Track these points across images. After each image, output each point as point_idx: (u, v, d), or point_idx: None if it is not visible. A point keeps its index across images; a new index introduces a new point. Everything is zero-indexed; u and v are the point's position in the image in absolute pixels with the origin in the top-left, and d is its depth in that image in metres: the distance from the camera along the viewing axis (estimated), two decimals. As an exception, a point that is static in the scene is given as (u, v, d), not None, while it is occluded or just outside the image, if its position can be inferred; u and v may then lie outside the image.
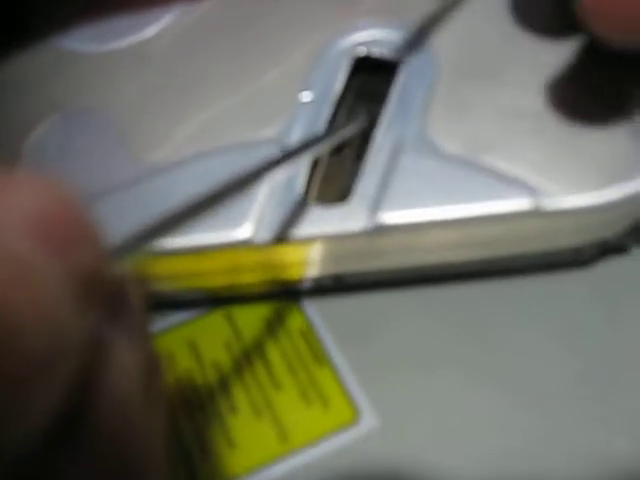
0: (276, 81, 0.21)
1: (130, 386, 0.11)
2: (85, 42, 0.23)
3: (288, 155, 0.16)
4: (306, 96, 0.21)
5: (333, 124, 0.20)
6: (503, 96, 0.20)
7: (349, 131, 0.19)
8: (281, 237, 0.19)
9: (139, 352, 0.12)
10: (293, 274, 0.21)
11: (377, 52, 0.22)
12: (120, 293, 0.11)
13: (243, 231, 0.19)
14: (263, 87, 0.21)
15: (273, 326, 0.21)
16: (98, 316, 0.10)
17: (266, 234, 0.19)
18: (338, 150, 0.21)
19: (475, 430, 0.19)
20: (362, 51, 0.22)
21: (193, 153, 0.21)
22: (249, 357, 0.21)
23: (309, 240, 0.19)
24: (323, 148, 0.18)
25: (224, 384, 0.21)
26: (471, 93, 0.20)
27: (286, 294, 0.22)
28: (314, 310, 0.22)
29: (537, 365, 0.20)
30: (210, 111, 0.21)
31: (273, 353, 0.21)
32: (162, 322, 0.22)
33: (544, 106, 0.20)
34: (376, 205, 0.19)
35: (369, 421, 0.20)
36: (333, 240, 0.19)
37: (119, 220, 0.20)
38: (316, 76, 0.21)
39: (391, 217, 0.19)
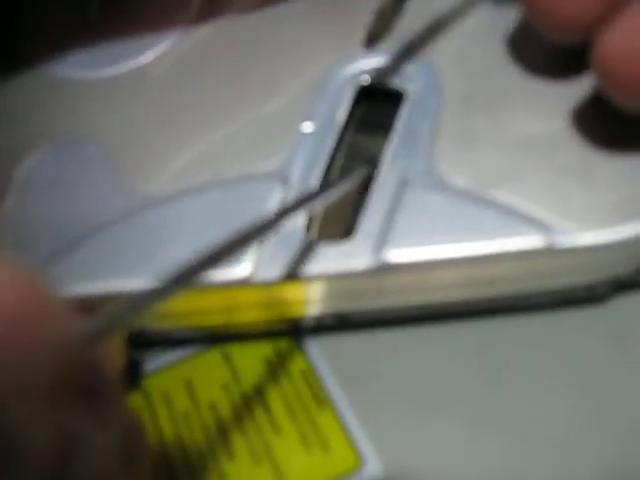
0: (276, 111, 0.21)
1: (106, 464, 0.10)
2: (78, 68, 0.23)
3: (281, 214, 0.16)
4: (307, 127, 0.20)
5: (327, 180, 0.19)
6: (513, 127, 0.19)
7: (345, 186, 0.18)
8: (281, 276, 0.18)
9: (115, 427, 0.11)
10: (294, 313, 0.20)
11: (381, 81, 0.21)
12: (93, 374, 0.11)
13: (242, 269, 0.18)
14: (262, 117, 0.21)
15: (272, 366, 0.21)
16: (70, 408, 0.09)
17: (266, 272, 0.18)
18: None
19: (483, 476, 0.18)
20: (366, 80, 0.21)
21: (189, 186, 0.20)
22: (247, 399, 0.20)
23: (311, 278, 0.18)
24: (318, 204, 0.18)
25: (221, 427, 0.20)
26: (479, 124, 0.20)
27: (287, 333, 0.21)
28: (316, 349, 0.21)
29: (547, 407, 0.19)
30: (207, 142, 0.21)
31: (272, 395, 0.20)
32: (158, 360, 0.21)
33: (556, 138, 0.19)
34: (381, 243, 0.18)
35: (373, 467, 0.19)
36: (336, 279, 0.18)
37: (112, 254, 0.20)
38: (318, 106, 0.21)
39: (397, 255, 0.18)
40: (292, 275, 0.18)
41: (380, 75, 0.21)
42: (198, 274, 0.14)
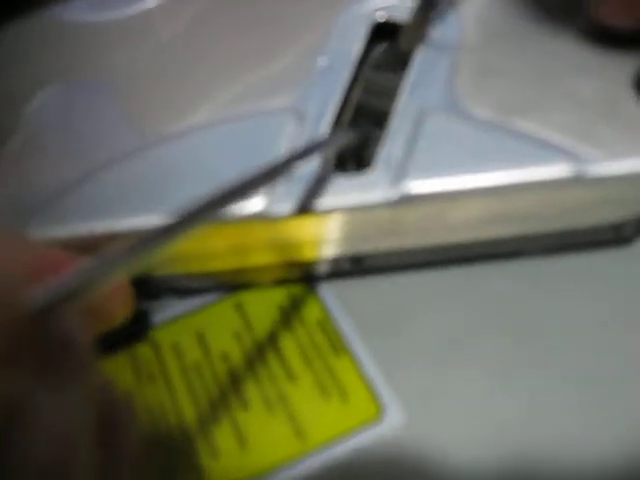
0: (290, 47, 0.20)
1: (68, 438, 0.10)
2: (85, 11, 0.22)
3: (289, 161, 0.15)
4: (322, 62, 0.19)
5: (339, 123, 0.18)
6: (535, 60, 0.18)
7: (349, 138, 0.17)
8: (296, 210, 0.17)
9: (82, 402, 0.11)
10: (308, 254, 0.19)
11: (398, 17, 0.20)
12: (51, 342, 0.10)
13: (254, 204, 0.17)
14: (276, 54, 0.20)
15: (286, 314, 0.20)
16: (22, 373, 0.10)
17: (279, 207, 0.17)
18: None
19: (509, 425, 0.17)
20: (381, 16, 0.20)
21: (201, 122, 0.19)
22: (261, 348, 0.19)
23: (326, 213, 0.17)
24: (324, 153, 0.17)
25: (234, 377, 0.19)
26: (501, 55, 0.19)
27: (301, 279, 0.20)
28: (331, 296, 0.20)
29: (576, 349, 0.18)
30: (218, 79, 0.20)
31: (287, 343, 0.19)
32: (167, 311, 0.20)
33: (578, 68, 0.18)
34: (400, 173, 0.17)
35: (394, 417, 0.18)
36: (353, 213, 0.17)
37: (121, 191, 0.19)
38: (333, 42, 0.20)
39: (417, 186, 0.17)
40: (306, 209, 0.17)
41: (397, 11, 0.20)
42: (203, 217, 0.13)
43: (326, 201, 0.17)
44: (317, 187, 0.17)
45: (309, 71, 0.19)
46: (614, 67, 0.18)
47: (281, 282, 0.20)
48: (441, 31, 0.19)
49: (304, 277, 0.20)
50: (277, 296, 0.20)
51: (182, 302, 0.20)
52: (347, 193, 0.17)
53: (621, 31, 0.18)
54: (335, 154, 0.18)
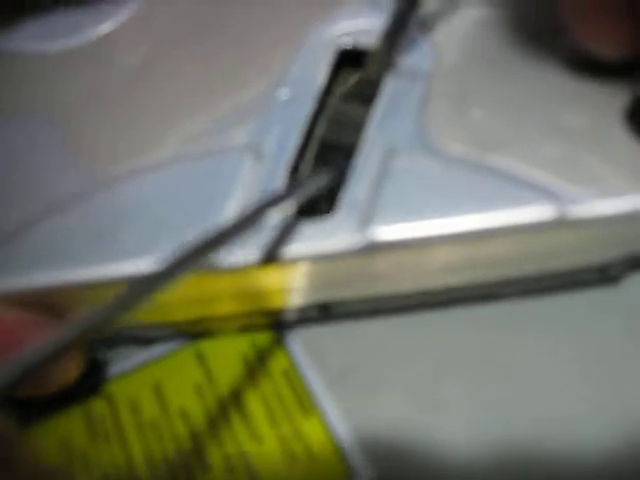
0: (248, 77, 0.18)
1: None
2: (31, 41, 0.20)
3: (245, 219, 0.14)
4: (284, 94, 0.18)
5: (295, 180, 0.17)
6: (510, 89, 0.17)
7: (314, 186, 0.16)
8: (256, 259, 0.16)
9: None
10: (273, 303, 0.17)
11: (366, 43, 0.19)
12: None
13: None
14: (234, 85, 0.18)
15: (251, 366, 0.18)
16: None
17: (238, 256, 0.16)
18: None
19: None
20: (348, 42, 0.19)
21: (151, 163, 0.17)
22: (223, 404, 0.18)
23: (289, 261, 0.16)
24: (285, 205, 0.15)
25: (194, 437, 0.17)
26: (477, 84, 0.17)
27: (266, 328, 0.19)
28: (298, 346, 0.18)
29: (556, 397, 0.17)
30: (171, 114, 0.18)
31: (251, 398, 0.18)
32: (125, 362, 0.19)
33: (562, 97, 0.17)
34: (367, 218, 0.15)
35: (364, 478, 0.16)
36: (317, 261, 0.16)
37: (64, 239, 0.17)
38: (296, 71, 0.18)
39: (385, 232, 0.15)
40: (268, 258, 0.15)
41: (365, 36, 0.19)
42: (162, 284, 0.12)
43: (289, 249, 0.16)
44: (278, 234, 0.16)
45: (269, 104, 0.18)
46: (601, 99, 0.16)
47: (246, 330, 0.19)
48: (413, 58, 0.18)
49: (270, 325, 0.18)
50: (241, 345, 0.19)
51: (141, 351, 0.19)
52: (311, 240, 0.15)
53: (605, 60, 0.16)
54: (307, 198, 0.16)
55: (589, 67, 0.17)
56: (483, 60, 0.18)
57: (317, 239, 0.15)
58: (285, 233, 0.16)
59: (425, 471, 0.16)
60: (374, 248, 0.15)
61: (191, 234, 0.14)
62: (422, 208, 0.15)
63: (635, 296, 0.18)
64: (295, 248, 0.15)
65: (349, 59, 0.19)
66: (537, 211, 0.15)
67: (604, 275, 0.17)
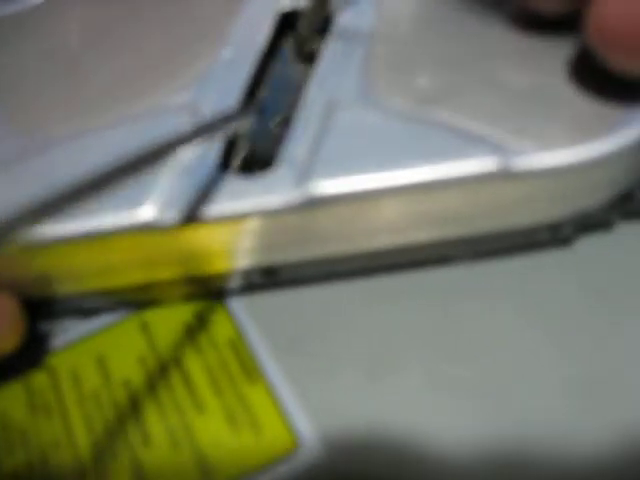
0: (188, 38, 0.18)
1: None
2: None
3: (170, 145, 0.13)
4: (225, 56, 0.17)
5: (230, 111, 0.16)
6: (458, 44, 0.17)
7: (247, 116, 0.15)
8: (191, 217, 0.15)
9: None
10: (214, 266, 0.17)
11: (304, 5, 0.18)
12: None
13: (146, 211, 0.15)
14: (173, 46, 0.18)
15: (196, 335, 0.18)
16: None
17: (175, 214, 0.15)
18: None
19: (439, 456, 0.15)
20: (286, 5, 0.18)
21: (89, 125, 0.17)
22: (166, 374, 0.17)
23: (227, 219, 0.15)
24: (215, 135, 0.15)
25: (136, 408, 0.17)
26: (420, 41, 0.17)
27: (212, 295, 0.18)
28: (244, 313, 0.18)
29: (508, 362, 0.16)
30: (113, 76, 0.18)
31: (195, 368, 0.17)
32: (68, 334, 0.18)
33: (506, 53, 0.16)
34: (307, 173, 0.15)
35: (310, 449, 0.16)
36: (256, 219, 0.15)
37: (8, 197, 0.17)
38: (236, 34, 0.18)
39: (325, 186, 0.15)
40: (203, 216, 0.15)
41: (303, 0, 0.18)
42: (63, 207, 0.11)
43: (225, 207, 0.15)
44: (214, 191, 0.15)
45: (210, 66, 0.17)
46: (545, 54, 0.16)
47: (191, 298, 0.18)
48: (355, 15, 0.17)
49: (215, 292, 0.18)
50: (186, 314, 0.18)
51: (84, 323, 0.18)
52: (248, 197, 0.15)
53: (548, 15, 0.16)
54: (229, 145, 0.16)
55: (533, 24, 0.16)
56: (427, 17, 0.17)
57: (254, 195, 0.15)
58: (221, 190, 0.15)
59: (373, 440, 0.16)
60: (314, 203, 0.15)
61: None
62: (363, 162, 0.15)
63: (588, 258, 0.17)
64: (231, 205, 0.15)
65: (291, 22, 0.18)
66: (481, 163, 0.14)
67: (555, 235, 0.17)
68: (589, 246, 0.18)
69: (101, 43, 0.18)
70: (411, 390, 0.16)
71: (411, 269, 0.18)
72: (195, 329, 0.18)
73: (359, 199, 0.15)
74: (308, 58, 0.17)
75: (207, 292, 0.18)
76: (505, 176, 0.15)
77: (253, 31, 0.18)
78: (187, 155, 0.16)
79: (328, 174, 0.15)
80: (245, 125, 0.15)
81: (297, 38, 0.17)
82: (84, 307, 0.18)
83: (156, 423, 0.17)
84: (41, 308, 0.18)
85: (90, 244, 0.15)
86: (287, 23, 0.18)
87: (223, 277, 0.17)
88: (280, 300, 0.18)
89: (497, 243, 0.17)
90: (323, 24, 0.17)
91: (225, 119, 0.14)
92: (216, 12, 0.18)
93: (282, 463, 0.16)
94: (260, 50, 0.17)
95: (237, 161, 0.16)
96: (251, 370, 0.17)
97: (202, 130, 0.14)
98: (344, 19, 0.17)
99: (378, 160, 0.15)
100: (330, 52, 0.17)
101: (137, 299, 0.18)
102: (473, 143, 0.15)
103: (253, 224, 0.15)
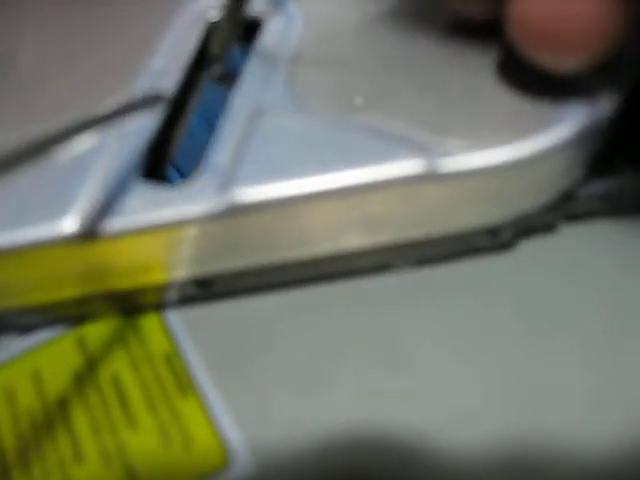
0: (118, 49, 0.17)
1: None
2: None
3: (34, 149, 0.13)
4: (153, 65, 0.17)
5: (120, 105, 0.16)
6: (384, 49, 0.16)
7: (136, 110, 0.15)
8: (115, 228, 0.15)
9: None
10: (147, 278, 0.16)
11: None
12: None
13: (67, 223, 0.15)
14: (103, 59, 0.17)
15: (132, 350, 0.17)
16: None
17: (96, 225, 0.15)
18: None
19: (378, 468, 0.15)
20: (213, 15, 0.18)
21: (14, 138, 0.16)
22: (101, 390, 0.17)
23: (152, 229, 0.15)
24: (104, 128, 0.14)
25: (69, 426, 0.16)
26: (346, 48, 0.16)
27: (148, 308, 0.18)
28: (180, 327, 0.17)
29: (450, 374, 0.16)
30: (43, 84, 0.17)
31: (130, 383, 0.17)
32: (4, 351, 0.18)
33: (433, 57, 0.16)
34: (229, 180, 0.15)
35: (242, 464, 0.15)
36: (181, 228, 0.15)
37: None
38: (164, 44, 0.17)
39: (246, 193, 0.14)
40: (127, 227, 0.15)
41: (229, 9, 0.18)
42: None
43: (147, 216, 0.15)
44: (137, 201, 0.15)
45: (137, 77, 0.17)
46: (473, 57, 0.16)
47: (127, 312, 0.18)
48: (282, 21, 0.17)
49: (152, 305, 0.18)
50: (122, 329, 0.18)
51: (21, 340, 0.18)
52: (170, 206, 0.15)
53: (475, 21, 0.15)
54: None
55: (461, 30, 0.16)
56: (355, 24, 0.17)
57: (176, 204, 0.15)
58: (144, 200, 0.15)
59: (306, 459, 0.15)
60: (237, 210, 0.14)
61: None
62: (287, 168, 0.14)
63: (530, 262, 0.17)
64: (154, 215, 0.15)
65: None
66: (407, 165, 0.14)
67: (495, 239, 0.16)
68: (532, 250, 0.17)
69: (31, 59, 0.18)
70: (346, 403, 0.16)
71: (351, 277, 0.17)
72: (131, 344, 0.17)
73: (283, 206, 0.14)
74: (227, 78, 0.17)
75: (144, 305, 0.17)
76: (432, 178, 0.14)
77: (181, 43, 0.17)
78: (108, 165, 0.15)
79: (251, 181, 0.14)
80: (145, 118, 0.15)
81: (213, 59, 0.17)
82: (20, 323, 0.18)
83: (89, 439, 0.16)
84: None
85: (12, 258, 0.15)
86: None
87: (158, 290, 0.17)
88: (217, 312, 0.17)
89: (435, 249, 0.17)
90: (252, 31, 0.17)
91: (121, 110, 0.14)
92: (144, 25, 0.18)
93: (213, 478, 0.15)
94: (187, 60, 0.17)
95: (164, 171, 0.16)
96: (185, 385, 0.17)
97: (98, 120, 0.13)
98: (271, 23, 0.17)
99: (302, 166, 0.14)
100: (255, 62, 0.17)
101: (73, 314, 0.18)
102: (399, 145, 0.14)
103: (179, 234, 0.15)
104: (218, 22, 0.17)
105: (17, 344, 0.18)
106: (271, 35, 0.17)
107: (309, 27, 0.17)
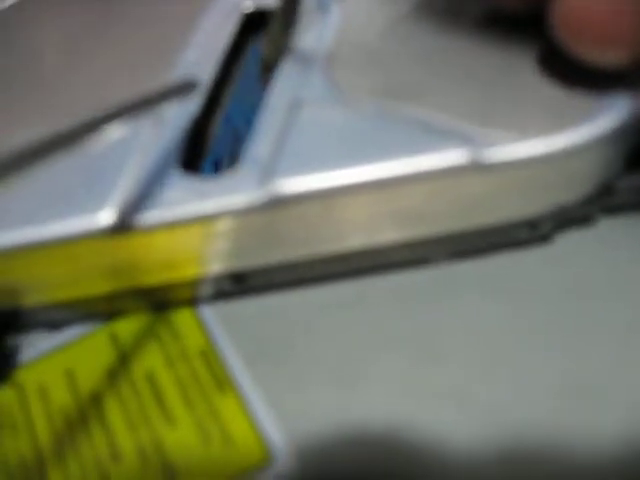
0: (152, 41, 0.17)
1: None
2: None
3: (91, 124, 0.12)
4: (188, 57, 0.17)
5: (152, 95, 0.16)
6: (425, 42, 0.16)
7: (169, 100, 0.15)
8: (154, 220, 0.14)
9: None
10: (183, 272, 0.16)
11: (269, 5, 0.18)
12: None
13: (105, 216, 0.15)
14: (138, 51, 0.17)
15: (167, 346, 0.17)
16: None
17: (135, 218, 0.15)
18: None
19: (421, 462, 0.15)
20: (248, 7, 0.18)
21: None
22: (137, 387, 0.17)
23: (191, 222, 0.15)
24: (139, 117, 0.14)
25: (105, 423, 0.16)
26: (386, 40, 0.16)
27: (182, 304, 0.17)
28: (216, 322, 0.17)
29: (490, 368, 0.16)
30: (75, 81, 0.17)
31: (166, 380, 0.17)
32: (37, 347, 0.18)
33: (475, 50, 0.16)
34: (271, 171, 0.14)
35: (284, 460, 0.15)
36: (220, 221, 0.15)
37: None
38: (200, 36, 0.17)
39: (290, 184, 0.14)
40: (166, 220, 0.14)
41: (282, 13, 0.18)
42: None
43: (187, 209, 0.14)
44: (177, 194, 0.15)
45: (174, 68, 0.17)
46: (513, 49, 0.16)
47: (161, 308, 0.18)
48: (321, 13, 0.17)
49: (186, 301, 0.17)
50: (156, 325, 0.17)
51: (52, 337, 0.18)
52: (210, 198, 0.14)
53: (514, 13, 0.15)
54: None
55: (500, 22, 0.16)
56: (396, 18, 0.17)
57: (217, 196, 0.14)
58: (184, 192, 0.15)
59: (348, 456, 0.15)
60: (279, 202, 0.14)
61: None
62: (329, 159, 0.14)
63: (569, 255, 0.17)
64: (194, 207, 0.14)
65: (255, 22, 0.18)
66: (451, 156, 0.14)
67: (535, 232, 0.16)
68: (570, 243, 0.17)
69: (68, 49, 0.18)
70: (386, 396, 0.16)
71: (388, 271, 0.17)
72: (165, 339, 0.17)
73: (325, 197, 0.14)
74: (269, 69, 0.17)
75: (178, 301, 0.17)
76: (476, 169, 0.14)
77: (216, 34, 0.17)
78: (145, 156, 0.15)
79: (293, 172, 0.14)
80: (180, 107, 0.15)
81: (264, 64, 0.17)
82: (51, 320, 0.18)
83: (125, 437, 0.16)
84: (6, 322, 0.18)
85: (46, 252, 0.15)
86: (251, 24, 0.18)
87: (192, 284, 0.17)
88: (253, 307, 0.17)
89: (474, 242, 0.16)
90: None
91: (155, 97, 0.14)
92: (180, 14, 0.18)
93: (254, 475, 0.15)
94: (223, 52, 0.17)
95: (200, 162, 0.16)
96: (222, 381, 0.16)
97: (131, 107, 0.13)
98: (309, 13, 0.17)
99: (344, 157, 0.14)
100: (293, 57, 0.16)
101: (105, 310, 0.17)
102: (442, 136, 0.14)
103: (217, 226, 0.15)
104: (270, 27, 0.17)
105: (47, 341, 0.18)
106: (309, 29, 0.17)
107: (346, 22, 0.17)
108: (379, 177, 0.14)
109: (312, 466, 0.15)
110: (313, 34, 0.17)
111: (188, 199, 0.15)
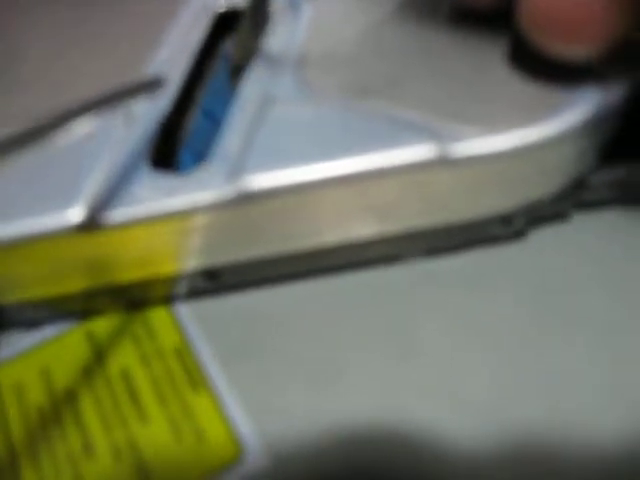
0: (125, 40, 0.17)
1: None
2: None
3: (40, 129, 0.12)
4: (159, 54, 0.17)
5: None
6: (394, 39, 0.16)
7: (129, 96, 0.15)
8: (123, 217, 0.14)
9: None
10: (156, 269, 0.16)
11: (242, 4, 0.18)
12: None
13: (74, 213, 0.15)
14: (110, 49, 0.17)
15: (142, 344, 0.17)
16: None
17: (104, 215, 0.15)
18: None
19: (391, 461, 0.15)
20: (222, 5, 0.18)
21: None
22: (112, 385, 0.17)
23: (161, 218, 0.15)
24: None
25: (79, 421, 0.16)
26: (355, 37, 0.16)
27: (158, 301, 0.17)
28: (191, 320, 0.17)
29: (466, 368, 0.16)
30: (53, 79, 0.17)
31: (140, 378, 0.17)
32: (13, 346, 0.18)
33: (443, 46, 0.16)
34: (238, 168, 0.14)
35: (255, 457, 0.15)
36: (190, 217, 0.15)
37: None
38: (172, 35, 0.17)
39: (258, 180, 0.14)
40: (136, 216, 0.14)
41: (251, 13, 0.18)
42: None
43: (156, 205, 0.14)
44: (146, 190, 0.15)
45: (145, 67, 0.17)
46: (481, 45, 0.16)
47: (137, 306, 0.18)
48: (291, 13, 0.17)
49: (162, 298, 0.17)
50: (133, 323, 0.17)
51: (29, 335, 0.18)
52: (179, 194, 0.14)
53: (482, 11, 0.15)
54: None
55: (469, 18, 0.16)
56: (364, 17, 0.17)
57: (186, 193, 0.14)
58: (153, 188, 0.15)
59: (319, 451, 0.15)
60: (245, 198, 0.14)
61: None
62: (298, 155, 0.14)
63: (543, 251, 0.17)
64: (163, 203, 0.14)
65: (228, 21, 0.18)
66: (419, 150, 0.14)
67: (508, 228, 0.16)
68: (544, 238, 0.17)
69: (39, 45, 0.18)
70: (360, 394, 0.16)
71: (361, 268, 0.17)
72: (140, 338, 0.17)
73: (294, 192, 0.14)
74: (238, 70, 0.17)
75: (153, 299, 0.17)
76: (445, 163, 0.14)
77: (189, 33, 0.17)
78: (115, 152, 0.15)
79: (261, 168, 0.14)
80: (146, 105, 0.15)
81: (233, 68, 0.17)
82: (27, 318, 0.18)
83: (100, 435, 0.16)
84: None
85: (16, 250, 0.15)
86: (225, 22, 0.18)
87: (166, 282, 0.17)
88: (228, 306, 0.17)
89: (448, 238, 0.16)
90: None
91: (121, 93, 0.14)
92: (152, 16, 0.18)
93: (226, 472, 0.15)
94: (194, 52, 0.17)
95: (170, 158, 0.16)
96: (196, 378, 0.16)
97: (97, 102, 0.13)
98: (279, 13, 0.17)
99: (312, 152, 0.14)
100: (264, 56, 0.16)
101: (81, 309, 0.18)
102: (410, 131, 0.14)
103: (188, 223, 0.15)
104: (239, 28, 0.17)
105: (24, 339, 0.18)
106: (280, 28, 0.17)
107: (317, 21, 0.17)
108: (347, 172, 0.14)
109: (284, 464, 0.15)
110: (284, 33, 0.17)
111: (158, 196, 0.15)
